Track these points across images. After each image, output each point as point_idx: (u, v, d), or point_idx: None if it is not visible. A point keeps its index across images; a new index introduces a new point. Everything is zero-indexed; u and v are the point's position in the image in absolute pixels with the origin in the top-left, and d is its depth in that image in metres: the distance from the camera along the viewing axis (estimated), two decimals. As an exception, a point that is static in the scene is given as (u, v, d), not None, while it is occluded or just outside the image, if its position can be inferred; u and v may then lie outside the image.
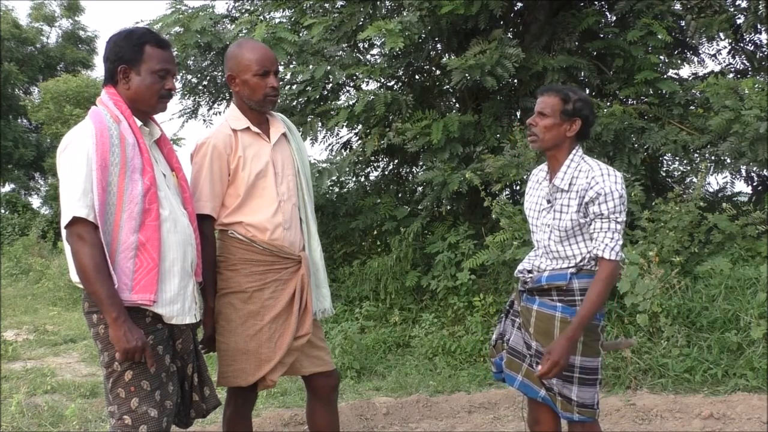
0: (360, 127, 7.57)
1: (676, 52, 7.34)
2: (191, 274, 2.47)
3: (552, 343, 2.47)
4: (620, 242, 2.48)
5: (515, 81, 6.93)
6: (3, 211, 19.30)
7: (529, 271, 2.68)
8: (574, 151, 2.57)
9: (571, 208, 2.52)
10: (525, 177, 5.90)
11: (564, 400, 2.54)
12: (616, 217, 2.47)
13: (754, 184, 7.10)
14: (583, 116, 2.55)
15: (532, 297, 2.63)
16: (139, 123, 2.39)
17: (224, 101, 8.15)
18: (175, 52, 6.90)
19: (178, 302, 2.39)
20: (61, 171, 2.29)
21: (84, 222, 2.21)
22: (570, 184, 2.53)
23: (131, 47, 2.37)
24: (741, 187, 7.20)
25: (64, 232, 2.26)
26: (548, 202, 2.61)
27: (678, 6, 6.57)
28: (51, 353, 6.64)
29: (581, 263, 2.54)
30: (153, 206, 2.31)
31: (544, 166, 2.72)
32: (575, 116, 2.53)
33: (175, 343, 2.45)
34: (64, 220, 2.23)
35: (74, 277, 2.29)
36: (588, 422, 2.57)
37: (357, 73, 6.91)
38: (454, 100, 7.86)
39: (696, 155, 6.26)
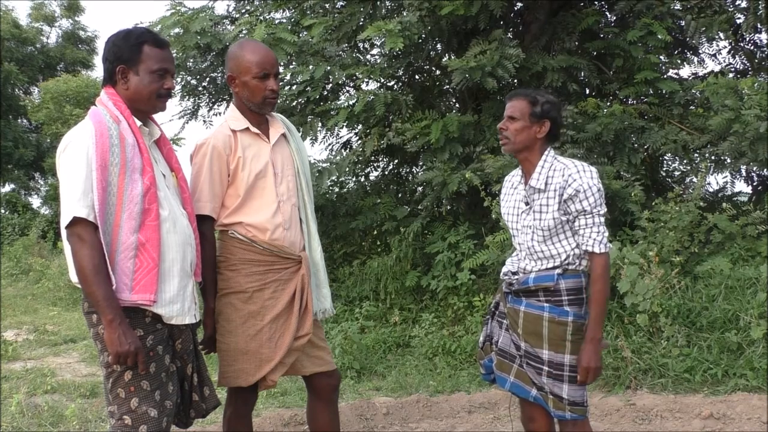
0: (360, 127, 7.57)
1: (676, 52, 7.34)
2: (191, 275, 2.48)
3: (579, 353, 2.53)
4: (606, 234, 2.56)
5: (515, 81, 6.92)
6: (3, 211, 19.31)
7: (514, 273, 2.71)
8: (546, 152, 2.63)
9: (550, 207, 2.56)
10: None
11: (556, 399, 2.58)
12: (599, 211, 2.54)
13: (754, 184, 7.10)
14: (551, 118, 2.61)
15: (518, 298, 2.67)
16: (138, 123, 2.39)
17: (224, 102, 8.15)
18: (175, 54, 6.91)
19: (177, 302, 2.39)
20: (60, 171, 2.29)
21: (84, 222, 2.21)
22: (546, 184, 2.58)
23: (129, 47, 2.37)
24: (741, 187, 7.21)
25: (64, 233, 2.26)
26: (526, 204, 2.65)
27: (678, 6, 6.57)
28: (51, 353, 6.64)
29: (566, 262, 2.58)
30: (153, 206, 2.31)
31: (517, 171, 2.77)
32: (544, 118, 2.60)
33: (175, 343, 2.45)
34: (64, 221, 2.23)
35: (74, 277, 2.29)
36: (579, 420, 2.61)
37: (357, 73, 6.90)
38: (453, 100, 7.86)
39: (696, 155, 6.26)
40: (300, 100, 7.07)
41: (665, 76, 6.68)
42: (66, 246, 2.28)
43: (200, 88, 8.00)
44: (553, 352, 2.56)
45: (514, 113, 2.61)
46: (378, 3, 7.15)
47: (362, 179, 8.12)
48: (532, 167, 2.63)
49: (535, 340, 2.59)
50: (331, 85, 7.23)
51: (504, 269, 2.77)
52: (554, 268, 2.59)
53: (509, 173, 2.85)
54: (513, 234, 2.74)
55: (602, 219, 2.55)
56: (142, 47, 2.38)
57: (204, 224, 2.68)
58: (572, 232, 2.58)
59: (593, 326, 2.52)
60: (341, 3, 7.64)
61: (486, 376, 2.85)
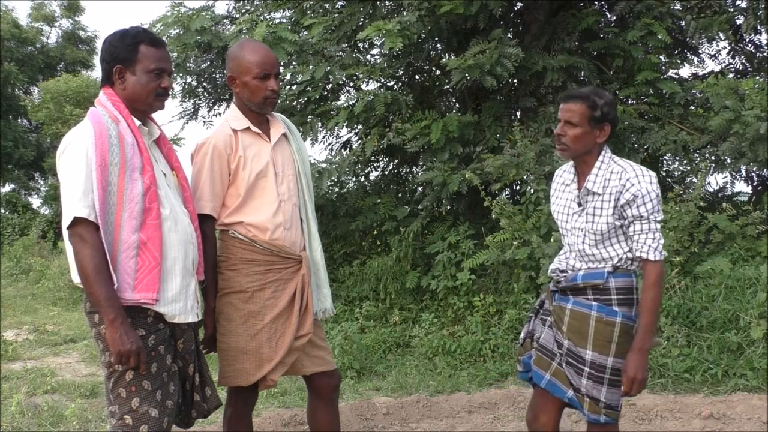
0: (360, 127, 7.58)
1: (676, 53, 7.34)
2: (193, 273, 2.48)
3: (625, 361, 2.45)
4: (661, 241, 2.47)
5: (515, 81, 6.93)
6: (3, 211, 19.29)
7: (562, 271, 2.64)
8: (603, 153, 2.53)
9: (605, 210, 2.48)
10: (525, 177, 5.91)
11: (592, 402, 2.51)
12: (655, 217, 2.45)
13: (754, 184, 7.11)
14: (611, 119, 2.50)
15: (566, 296, 2.60)
16: (137, 122, 2.39)
17: (224, 102, 8.16)
18: (175, 54, 6.91)
19: (179, 301, 2.40)
20: (61, 172, 2.30)
21: (85, 222, 2.22)
22: (603, 187, 2.48)
23: (126, 47, 2.38)
24: (741, 187, 7.22)
25: (65, 233, 2.26)
26: (579, 205, 2.57)
27: (678, 6, 6.58)
28: (51, 353, 6.64)
29: (617, 263, 2.51)
30: (154, 205, 2.32)
31: (567, 167, 2.68)
32: (604, 122, 2.49)
33: (177, 343, 2.45)
34: (66, 221, 2.24)
35: (76, 277, 2.29)
36: (610, 424, 2.55)
37: (357, 73, 6.91)
38: (454, 100, 7.87)
39: (696, 155, 6.26)
40: (300, 100, 7.08)
41: (665, 77, 6.68)
42: (67, 246, 2.28)
43: (200, 89, 8.01)
44: (597, 353, 2.48)
45: (573, 118, 2.47)
46: (378, 3, 7.15)
47: (362, 179, 8.13)
48: (588, 168, 2.53)
49: (578, 339, 2.52)
50: (331, 85, 7.23)
51: (552, 266, 2.69)
52: (605, 267, 2.52)
53: (560, 167, 2.74)
54: (562, 233, 2.66)
55: (658, 225, 2.47)
56: (138, 47, 2.38)
57: (205, 224, 2.68)
58: (625, 237, 2.50)
59: (643, 335, 2.43)
60: (341, 3, 7.65)
61: (523, 374, 2.76)
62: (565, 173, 2.68)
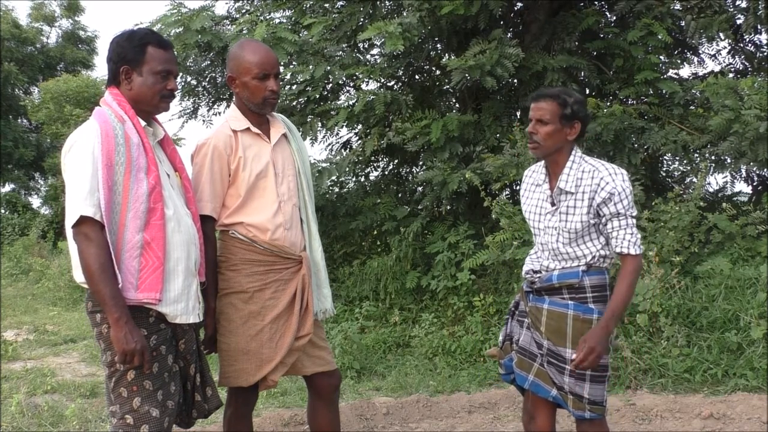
0: (360, 127, 7.57)
1: (676, 52, 7.34)
2: (195, 274, 2.48)
3: (587, 333, 2.48)
4: (638, 235, 2.52)
5: (515, 81, 6.93)
6: (3, 211, 19.29)
7: (536, 271, 2.66)
8: (573, 152, 2.57)
9: (579, 209, 2.52)
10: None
11: (575, 399, 2.55)
12: (631, 213, 2.50)
13: (754, 184, 7.11)
14: (581, 117, 2.55)
15: (541, 297, 2.63)
16: (142, 123, 2.40)
17: (224, 102, 8.15)
18: (175, 53, 6.89)
19: (181, 301, 2.40)
20: (67, 171, 2.30)
21: (91, 221, 2.23)
22: (576, 186, 2.52)
23: (133, 48, 2.39)
24: (741, 187, 7.22)
25: (70, 232, 2.26)
26: (552, 204, 2.60)
27: (678, 6, 6.58)
28: (51, 353, 6.64)
29: (591, 261, 2.55)
30: (158, 205, 2.32)
31: (536, 167, 2.71)
32: (575, 119, 2.53)
33: (178, 343, 2.46)
34: (71, 220, 2.24)
35: (79, 276, 2.29)
36: (597, 420, 2.59)
37: (357, 73, 6.91)
38: (454, 100, 7.86)
39: (696, 155, 6.26)
40: (300, 100, 7.07)
41: (665, 77, 6.67)
42: (71, 245, 2.29)
43: (200, 88, 8.00)
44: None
45: (544, 116, 2.52)
46: (378, 3, 7.15)
47: (362, 179, 8.12)
48: (559, 168, 2.57)
49: (558, 338, 2.56)
50: (331, 85, 7.23)
51: (525, 268, 2.72)
52: (579, 266, 2.56)
53: (529, 168, 2.78)
54: (535, 233, 2.69)
55: (634, 221, 2.52)
56: (145, 48, 2.39)
57: (205, 224, 2.68)
58: (598, 234, 2.55)
59: (610, 315, 2.45)
60: (341, 3, 7.64)
61: (505, 376, 2.80)
62: (535, 173, 2.72)
